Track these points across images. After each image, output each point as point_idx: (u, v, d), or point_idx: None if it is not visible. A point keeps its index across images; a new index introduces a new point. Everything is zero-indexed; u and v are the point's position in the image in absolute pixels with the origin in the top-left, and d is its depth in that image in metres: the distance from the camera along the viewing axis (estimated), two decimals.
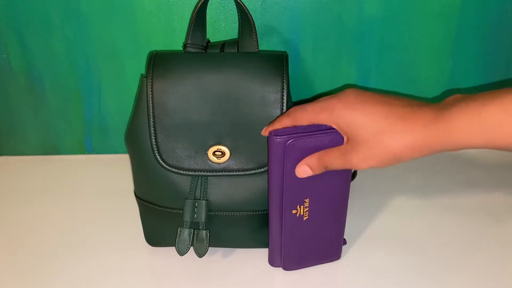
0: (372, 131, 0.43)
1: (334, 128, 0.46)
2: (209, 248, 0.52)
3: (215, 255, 0.56)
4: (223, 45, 0.56)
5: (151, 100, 0.52)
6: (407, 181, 0.70)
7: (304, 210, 0.50)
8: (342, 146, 0.46)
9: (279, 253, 0.52)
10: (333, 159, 0.46)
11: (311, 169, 0.47)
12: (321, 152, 0.47)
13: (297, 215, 0.50)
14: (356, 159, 0.45)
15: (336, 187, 0.51)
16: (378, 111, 0.43)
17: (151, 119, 0.52)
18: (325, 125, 0.46)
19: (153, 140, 0.52)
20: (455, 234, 0.59)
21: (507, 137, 0.38)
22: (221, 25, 0.67)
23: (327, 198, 0.51)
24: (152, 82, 0.52)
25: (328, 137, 0.46)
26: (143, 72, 0.70)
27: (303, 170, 0.48)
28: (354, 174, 0.69)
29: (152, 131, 0.52)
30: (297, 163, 0.47)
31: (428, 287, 0.51)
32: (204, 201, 0.52)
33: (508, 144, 0.38)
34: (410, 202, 0.65)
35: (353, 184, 0.69)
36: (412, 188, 0.68)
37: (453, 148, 0.40)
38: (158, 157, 0.52)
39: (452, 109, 0.40)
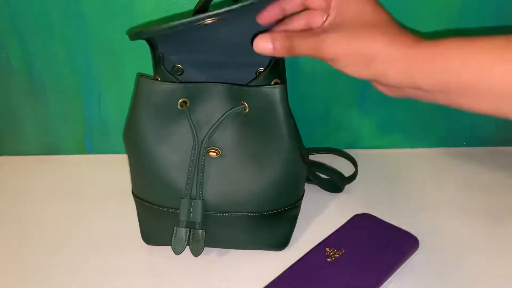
0: (365, 19, 0.41)
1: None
2: (206, 247, 0.52)
3: (211, 254, 0.56)
4: None
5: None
6: (407, 181, 0.70)
7: (335, 253, 0.53)
8: (319, 26, 0.43)
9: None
10: (304, 37, 0.42)
11: (273, 47, 0.43)
12: (292, 32, 0.43)
13: (325, 254, 0.53)
14: (330, 39, 0.41)
15: (383, 257, 0.53)
16: (381, 15, 0.42)
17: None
18: None
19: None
20: (454, 234, 0.59)
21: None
22: None
23: (367, 261, 0.53)
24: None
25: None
26: (143, 72, 0.70)
27: (264, 45, 0.43)
28: (354, 175, 0.70)
29: None
30: None
31: None
32: (200, 200, 0.51)
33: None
34: (409, 203, 0.65)
35: (351, 183, 0.69)
36: (411, 188, 0.68)
37: (430, 74, 0.38)
38: None
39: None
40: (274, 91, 0.51)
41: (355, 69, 0.41)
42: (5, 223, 0.62)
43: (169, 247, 0.56)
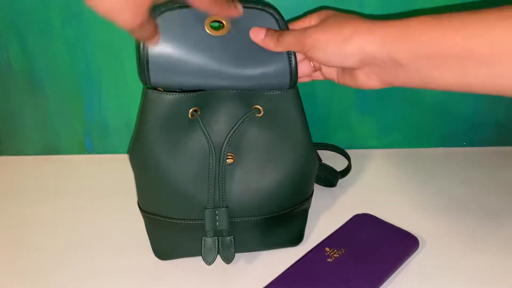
0: (340, 16, 0.46)
1: None
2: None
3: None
4: None
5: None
6: (406, 180, 0.70)
7: (335, 253, 0.53)
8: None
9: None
10: (290, 32, 0.48)
11: (264, 38, 0.48)
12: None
13: (325, 254, 0.53)
14: (310, 29, 0.46)
15: (383, 259, 0.53)
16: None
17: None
18: None
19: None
20: (454, 234, 0.59)
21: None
22: None
23: (365, 259, 0.53)
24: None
25: None
26: None
27: (257, 33, 0.48)
28: (347, 169, 0.70)
29: None
30: None
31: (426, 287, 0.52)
32: (224, 208, 0.51)
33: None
34: (408, 202, 0.65)
35: (349, 181, 0.69)
36: (411, 187, 0.68)
37: (407, 49, 0.41)
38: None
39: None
40: (289, 93, 0.51)
41: (334, 47, 0.45)
42: (5, 223, 0.62)
43: None
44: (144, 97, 0.50)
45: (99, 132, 0.76)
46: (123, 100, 0.73)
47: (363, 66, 0.45)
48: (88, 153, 0.78)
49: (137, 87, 0.72)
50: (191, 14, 0.48)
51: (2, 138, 0.76)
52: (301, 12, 0.67)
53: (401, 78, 0.44)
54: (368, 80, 0.47)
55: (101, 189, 0.69)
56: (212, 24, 0.49)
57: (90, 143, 0.77)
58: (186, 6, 0.47)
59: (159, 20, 0.47)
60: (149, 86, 0.50)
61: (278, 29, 0.49)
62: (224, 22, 0.49)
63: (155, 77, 0.49)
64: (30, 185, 0.70)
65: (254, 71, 0.50)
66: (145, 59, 0.48)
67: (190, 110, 0.50)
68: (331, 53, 0.45)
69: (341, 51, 0.44)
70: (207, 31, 0.48)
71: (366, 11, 0.67)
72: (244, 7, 0.49)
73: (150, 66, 0.48)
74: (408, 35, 0.41)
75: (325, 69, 0.53)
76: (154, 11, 0.47)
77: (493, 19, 0.38)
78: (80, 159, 0.77)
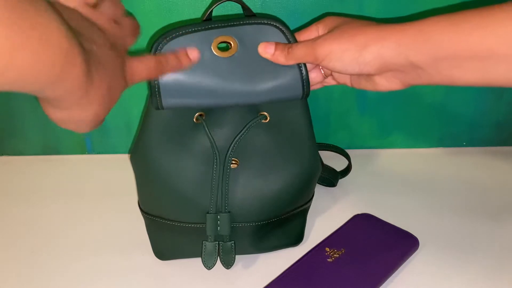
0: (349, 22, 0.46)
1: None
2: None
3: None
4: None
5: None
6: (407, 181, 0.70)
7: (335, 253, 0.53)
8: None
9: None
10: (300, 43, 0.48)
11: (274, 52, 0.48)
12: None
13: (325, 254, 0.53)
14: (321, 38, 0.46)
15: (384, 260, 0.53)
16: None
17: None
18: None
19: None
20: (454, 234, 0.59)
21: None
22: None
23: (368, 261, 0.53)
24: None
25: None
26: None
27: (266, 49, 0.48)
28: (347, 169, 0.70)
29: None
30: None
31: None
32: (226, 213, 0.50)
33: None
34: (408, 202, 0.65)
35: (349, 181, 0.69)
36: (411, 187, 0.68)
37: (424, 49, 0.41)
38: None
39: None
40: (297, 100, 0.51)
41: (351, 56, 0.44)
42: (5, 223, 0.62)
43: None
44: (149, 100, 0.50)
45: (99, 132, 0.76)
46: (123, 100, 0.72)
47: (383, 72, 0.45)
48: (88, 153, 0.78)
49: (137, 87, 0.71)
50: (197, 39, 0.48)
51: (3, 138, 0.76)
52: (301, 17, 0.67)
53: (423, 80, 0.44)
54: (388, 83, 0.47)
55: (101, 189, 0.69)
56: (219, 45, 0.49)
57: (90, 143, 0.77)
58: (192, 31, 0.48)
59: (167, 48, 0.48)
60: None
61: (286, 41, 0.49)
62: (231, 42, 0.49)
63: (167, 101, 0.49)
64: (30, 185, 0.70)
65: (266, 86, 0.50)
66: (156, 85, 0.48)
67: (196, 114, 0.50)
68: (348, 62, 0.45)
69: (359, 60, 0.44)
70: (215, 53, 0.49)
71: (366, 14, 0.67)
72: (249, 23, 0.49)
73: (162, 92, 0.48)
74: (424, 38, 0.41)
75: (337, 75, 0.53)
76: (162, 39, 0.48)
77: (507, 16, 0.37)
78: (80, 159, 0.77)
